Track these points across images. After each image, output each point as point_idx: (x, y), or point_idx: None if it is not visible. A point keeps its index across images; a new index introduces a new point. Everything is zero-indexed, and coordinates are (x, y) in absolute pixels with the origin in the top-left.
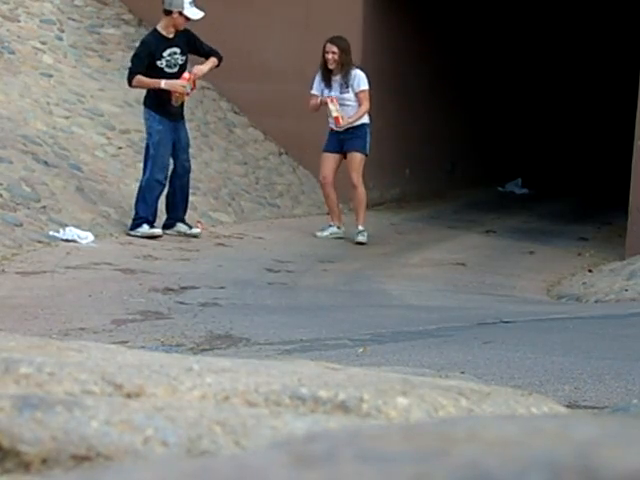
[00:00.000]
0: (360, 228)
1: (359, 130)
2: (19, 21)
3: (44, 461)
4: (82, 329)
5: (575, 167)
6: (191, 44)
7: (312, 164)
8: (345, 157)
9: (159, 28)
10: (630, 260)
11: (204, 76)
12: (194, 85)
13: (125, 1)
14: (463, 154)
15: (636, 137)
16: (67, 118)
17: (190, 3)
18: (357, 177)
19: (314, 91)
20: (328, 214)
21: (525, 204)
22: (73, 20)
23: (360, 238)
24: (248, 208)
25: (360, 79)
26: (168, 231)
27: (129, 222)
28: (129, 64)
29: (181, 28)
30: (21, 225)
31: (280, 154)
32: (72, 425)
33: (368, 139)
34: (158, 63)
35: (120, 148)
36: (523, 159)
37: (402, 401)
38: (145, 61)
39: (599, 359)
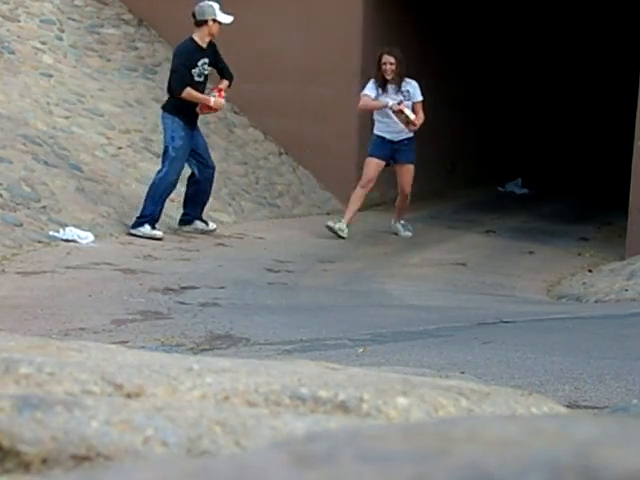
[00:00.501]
0: (402, 222)
1: (411, 142)
2: (19, 21)
3: (44, 461)
4: (82, 329)
5: (575, 167)
6: (215, 56)
7: (312, 164)
8: (387, 165)
9: (195, 38)
10: (630, 260)
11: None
12: (220, 96)
13: (125, 1)
14: (463, 154)
15: (636, 137)
16: (67, 118)
17: (220, 9)
18: (409, 187)
19: (367, 91)
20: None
21: (525, 204)
22: (73, 20)
23: (407, 233)
24: (248, 208)
25: (416, 90)
26: (185, 227)
27: (129, 222)
28: (173, 74)
29: (216, 35)
30: (21, 225)
31: (280, 154)
32: (72, 425)
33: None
34: (192, 72)
35: (120, 148)
36: (523, 159)
37: (402, 401)
38: (188, 71)
39: (599, 359)
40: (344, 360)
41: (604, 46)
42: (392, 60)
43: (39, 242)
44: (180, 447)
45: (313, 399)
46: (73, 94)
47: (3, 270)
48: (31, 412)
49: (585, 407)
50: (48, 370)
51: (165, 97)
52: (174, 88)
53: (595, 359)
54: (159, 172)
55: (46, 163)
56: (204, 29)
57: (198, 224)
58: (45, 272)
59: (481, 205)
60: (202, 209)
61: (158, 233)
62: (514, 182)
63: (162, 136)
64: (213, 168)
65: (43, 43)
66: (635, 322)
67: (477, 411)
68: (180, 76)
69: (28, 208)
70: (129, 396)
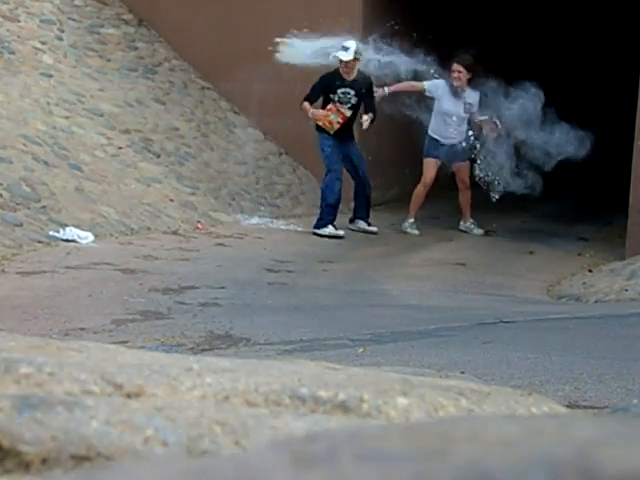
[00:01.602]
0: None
1: (465, 145)
2: (19, 21)
3: (44, 461)
4: (82, 329)
5: (575, 167)
6: (364, 91)
7: (312, 164)
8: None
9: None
10: (630, 260)
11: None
12: (342, 117)
13: (125, 1)
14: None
15: (636, 137)
16: (67, 118)
17: (342, 48)
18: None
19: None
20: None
21: (525, 204)
22: (73, 20)
23: (477, 231)
24: (248, 208)
25: (478, 107)
26: (350, 225)
27: (129, 222)
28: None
29: (349, 72)
30: (21, 225)
31: (280, 154)
32: (72, 425)
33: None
34: (331, 96)
35: (120, 148)
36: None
37: (402, 401)
38: (319, 92)
39: (599, 359)
40: (344, 360)
41: (604, 47)
42: (460, 68)
43: (39, 242)
44: (180, 447)
45: (313, 399)
46: (73, 94)
47: (3, 270)
48: (31, 412)
49: (585, 407)
50: (48, 370)
51: (164, 97)
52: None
53: (595, 359)
54: (323, 181)
55: (46, 163)
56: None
57: (360, 223)
58: (45, 272)
59: (481, 205)
60: (366, 212)
61: (340, 232)
62: None
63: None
64: (362, 177)
65: (43, 43)
66: (635, 322)
67: (477, 411)
68: (307, 94)
69: (28, 208)
70: (129, 396)
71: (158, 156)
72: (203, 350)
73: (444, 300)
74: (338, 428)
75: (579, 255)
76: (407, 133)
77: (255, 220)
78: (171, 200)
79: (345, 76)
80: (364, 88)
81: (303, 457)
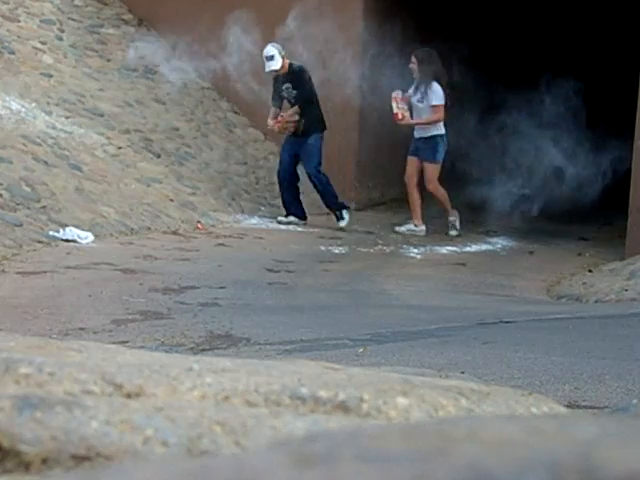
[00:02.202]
0: (450, 218)
1: (430, 140)
2: (19, 21)
3: (44, 461)
4: (82, 329)
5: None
6: (296, 80)
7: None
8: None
9: None
10: (630, 260)
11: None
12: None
13: (125, 1)
14: (463, 153)
15: (636, 137)
16: (67, 118)
17: (267, 59)
18: (431, 186)
19: (397, 93)
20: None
21: (525, 204)
22: (73, 20)
23: (452, 232)
24: (248, 208)
25: (435, 96)
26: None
27: (129, 222)
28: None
29: (282, 71)
30: (21, 225)
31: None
32: (72, 425)
33: (440, 149)
34: (281, 95)
35: (120, 148)
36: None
37: (402, 401)
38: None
39: (599, 359)
40: (344, 360)
41: (604, 47)
42: (413, 59)
43: (39, 242)
44: (180, 447)
45: (313, 399)
46: (73, 94)
47: (3, 270)
48: (31, 412)
49: (585, 407)
50: (48, 370)
51: (164, 97)
52: None
53: (595, 359)
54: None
55: (46, 163)
56: None
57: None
58: (45, 272)
59: (481, 204)
60: (326, 205)
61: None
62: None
63: None
64: (308, 174)
65: (43, 43)
66: (635, 322)
67: (477, 411)
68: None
69: (28, 208)
70: (129, 396)
71: (158, 156)
72: (203, 350)
73: (444, 300)
74: (338, 428)
75: (579, 255)
76: (407, 133)
77: (255, 220)
78: (171, 200)
79: (282, 73)
80: (294, 78)
81: (303, 457)
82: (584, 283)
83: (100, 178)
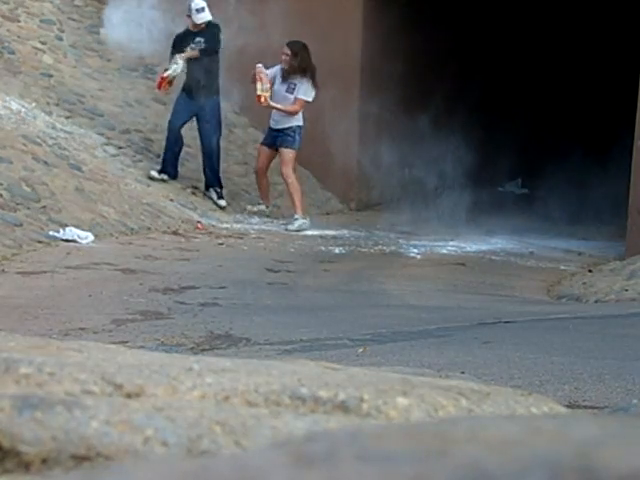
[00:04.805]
0: (295, 216)
1: (289, 130)
2: (19, 21)
3: (44, 461)
4: (82, 329)
5: (575, 167)
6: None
7: (312, 164)
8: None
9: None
10: (630, 260)
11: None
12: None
13: None
14: (463, 154)
15: (636, 137)
16: (67, 118)
17: (200, 9)
18: (285, 169)
19: (261, 66)
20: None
21: (525, 204)
22: (73, 20)
23: (289, 226)
24: (248, 208)
25: (304, 89)
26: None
27: (129, 222)
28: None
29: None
30: (21, 225)
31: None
32: (72, 425)
33: (298, 138)
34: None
35: (120, 148)
36: (523, 159)
37: (402, 401)
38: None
39: (599, 359)
40: (344, 360)
41: (604, 47)
42: (287, 51)
43: (39, 242)
44: (180, 447)
45: (313, 399)
46: (73, 94)
47: (3, 270)
48: (31, 412)
49: (585, 407)
50: (48, 370)
51: (164, 97)
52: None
53: (595, 359)
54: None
55: (46, 163)
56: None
57: (211, 192)
58: (45, 272)
59: (481, 205)
60: (215, 180)
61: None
62: (514, 182)
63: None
64: (206, 142)
65: (43, 43)
66: (635, 322)
67: (477, 411)
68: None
69: (28, 208)
70: (129, 396)
71: (158, 156)
72: (203, 350)
73: (444, 300)
74: (338, 428)
75: (579, 255)
76: (407, 134)
77: (255, 220)
78: (171, 200)
79: (195, 30)
80: (210, 32)
81: (303, 457)
82: (584, 283)
83: (100, 178)
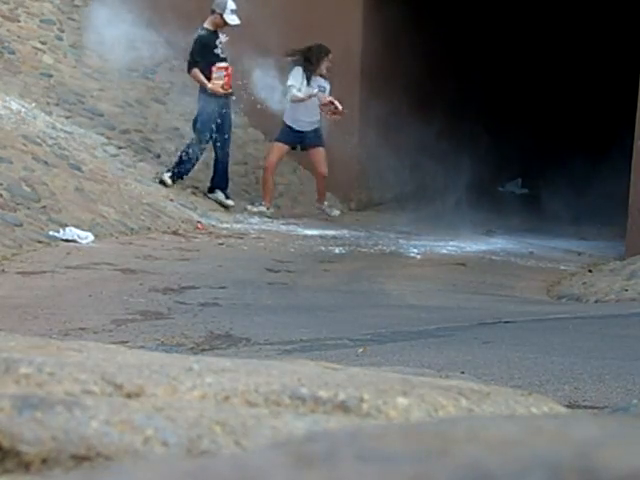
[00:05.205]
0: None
1: (320, 129)
2: (19, 21)
3: (44, 461)
4: (82, 329)
5: (575, 167)
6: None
7: (312, 164)
8: (294, 149)
9: (206, 24)
10: (630, 260)
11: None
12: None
13: (125, 1)
14: (463, 154)
15: (636, 137)
16: (67, 118)
17: (232, 10)
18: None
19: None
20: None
21: (525, 204)
22: (73, 20)
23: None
24: (248, 208)
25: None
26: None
27: (129, 222)
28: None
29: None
30: (21, 225)
31: None
32: (72, 425)
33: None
34: (214, 51)
35: (120, 148)
36: (523, 159)
37: (402, 401)
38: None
39: (599, 359)
40: (344, 360)
41: (604, 46)
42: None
43: (39, 242)
44: (180, 447)
45: (313, 399)
46: (73, 94)
47: (3, 270)
48: (31, 412)
49: (585, 407)
50: (48, 370)
51: (164, 97)
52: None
53: (595, 359)
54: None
55: (46, 163)
56: (211, 18)
57: (218, 194)
58: (45, 272)
59: (481, 205)
60: (225, 181)
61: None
62: (514, 182)
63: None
64: (227, 140)
65: (43, 43)
66: (635, 322)
67: (477, 411)
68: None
69: (28, 208)
70: (129, 396)
71: (158, 156)
72: (203, 350)
73: (444, 300)
74: (338, 428)
75: (579, 255)
76: (407, 133)
77: (255, 220)
78: (171, 200)
79: (220, 31)
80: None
81: (303, 457)
82: (584, 283)
83: (100, 178)
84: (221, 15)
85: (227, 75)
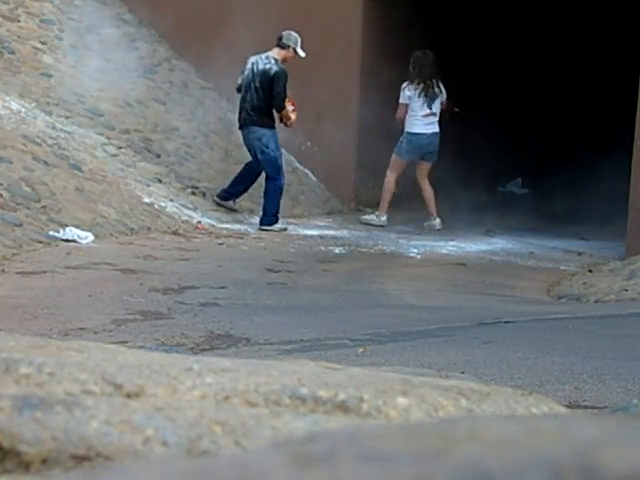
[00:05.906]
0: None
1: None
2: (19, 21)
3: (44, 461)
4: (82, 329)
5: (575, 167)
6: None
7: (312, 164)
8: None
9: (279, 58)
10: (630, 260)
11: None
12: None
13: (125, 1)
14: (463, 154)
15: (636, 137)
16: (67, 118)
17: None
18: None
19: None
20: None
21: (525, 204)
22: (73, 20)
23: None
24: (248, 208)
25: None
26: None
27: (129, 222)
28: (280, 95)
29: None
30: (21, 225)
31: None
32: (72, 425)
33: (402, 146)
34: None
35: (120, 148)
36: (523, 159)
37: (402, 401)
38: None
39: (599, 359)
40: (344, 360)
41: (604, 47)
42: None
43: (39, 242)
44: (180, 447)
45: (313, 399)
46: (73, 94)
47: (3, 270)
48: (31, 412)
49: (585, 407)
50: (48, 370)
51: (164, 97)
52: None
53: (595, 359)
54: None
55: (46, 163)
56: (284, 52)
57: (230, 203)
58: (45, 272)
59: (481, 205)
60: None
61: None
62: (514, 182)
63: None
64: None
65: (43, 43)
66: (635, 322)
67: (477, 411)
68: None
69: (28, 208)
70: (129, 396)
71: (158, 156)
72: (203, 350)
73: (444, 300)
74: (338, 428)
75: (579, 255)
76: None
77: (255, 220)
78: (171, 200)
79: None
80: None
81: (303, 457)
82: (584, 283)
83: (100, 178)
84: (295, 49)
85: (295, 109)
